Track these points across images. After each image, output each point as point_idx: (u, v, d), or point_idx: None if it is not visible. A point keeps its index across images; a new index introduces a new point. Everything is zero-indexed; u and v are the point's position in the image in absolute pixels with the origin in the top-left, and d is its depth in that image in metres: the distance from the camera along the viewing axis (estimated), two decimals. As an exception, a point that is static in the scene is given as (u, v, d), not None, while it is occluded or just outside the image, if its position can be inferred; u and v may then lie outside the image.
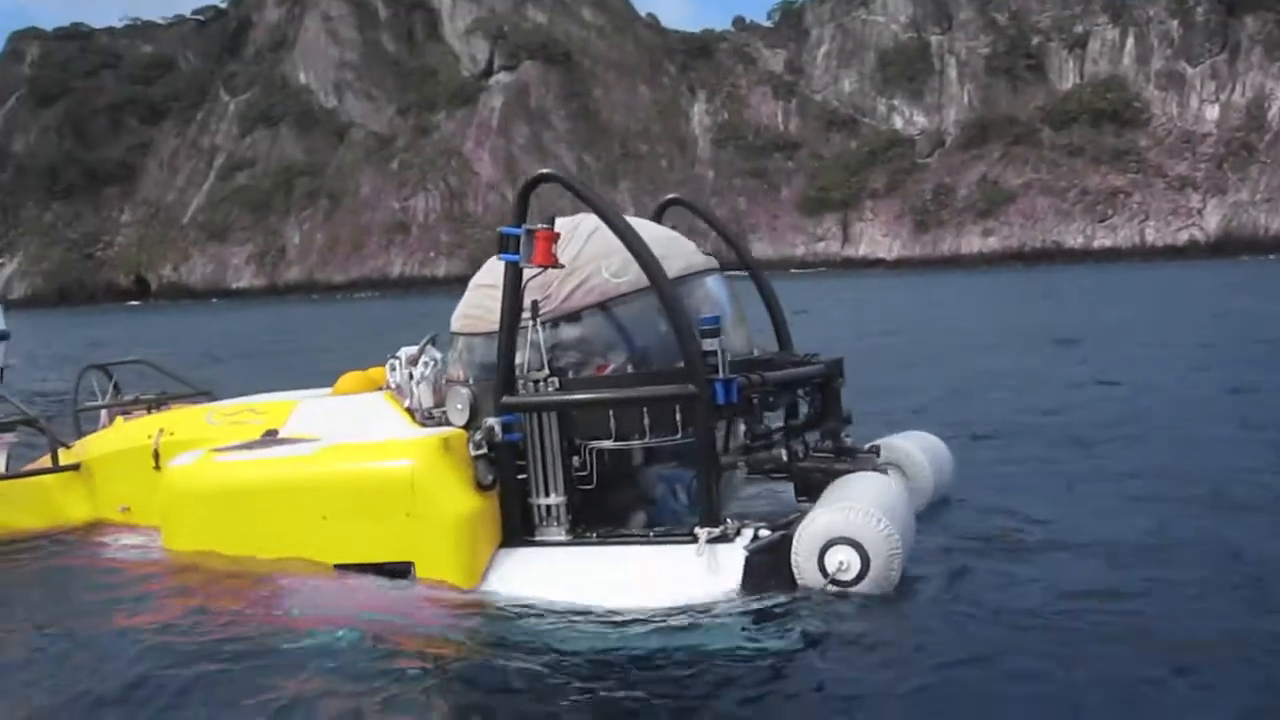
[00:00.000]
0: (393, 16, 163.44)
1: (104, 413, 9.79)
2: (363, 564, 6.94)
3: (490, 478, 6.86)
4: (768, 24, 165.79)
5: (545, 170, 7.14)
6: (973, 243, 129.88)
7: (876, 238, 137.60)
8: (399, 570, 6.86)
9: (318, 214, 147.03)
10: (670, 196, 9.19)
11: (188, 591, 6.90)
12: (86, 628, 6.48)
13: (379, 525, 6.86)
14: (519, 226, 6.75)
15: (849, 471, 7.24)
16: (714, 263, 7.93)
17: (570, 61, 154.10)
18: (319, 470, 7.14)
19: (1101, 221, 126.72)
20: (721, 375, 6.52)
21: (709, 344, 6.59)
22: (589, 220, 7.34)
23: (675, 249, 7.52)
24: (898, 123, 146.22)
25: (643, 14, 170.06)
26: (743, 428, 7.13)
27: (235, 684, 5.29)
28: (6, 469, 9.27)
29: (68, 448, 9.20)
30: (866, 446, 7.97)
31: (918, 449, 8.34)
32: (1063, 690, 4.99)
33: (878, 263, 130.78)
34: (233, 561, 7.12)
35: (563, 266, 6.93)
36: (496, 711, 4.97)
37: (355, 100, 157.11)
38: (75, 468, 8.89)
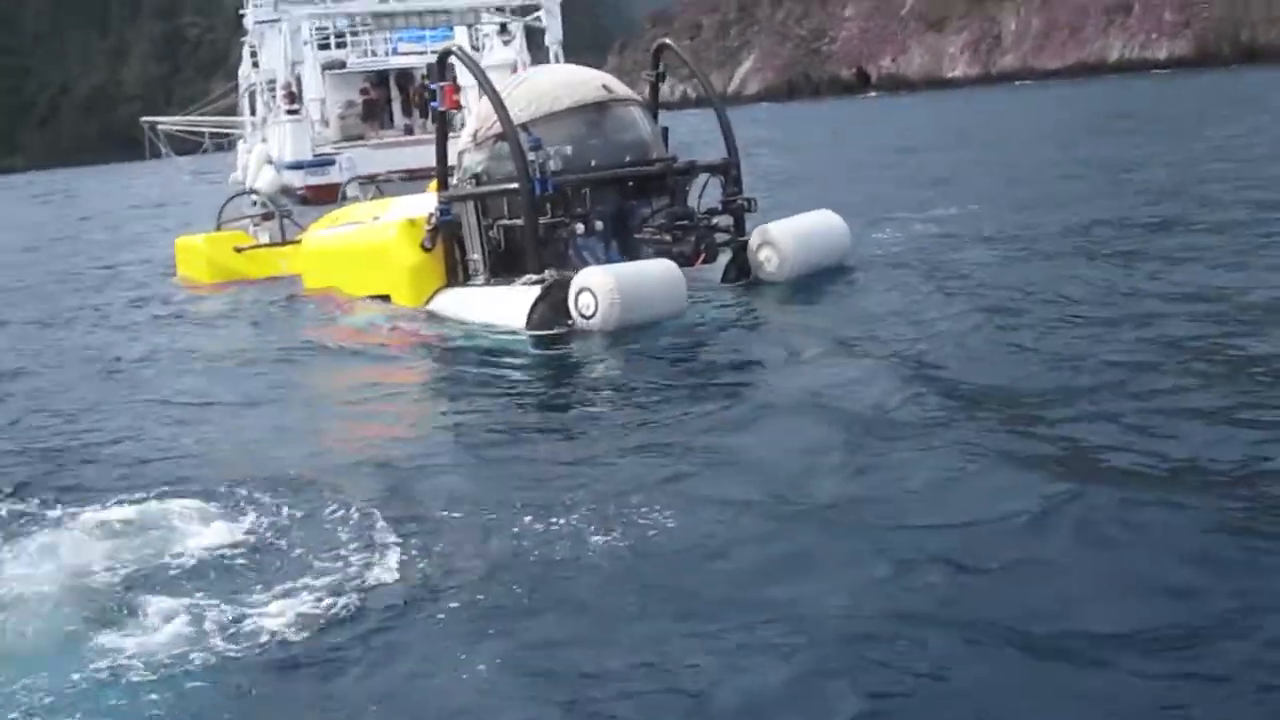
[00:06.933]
0: None
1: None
2: (373, 294, 11.27)
3: (430, 244, 10.60)
4: None
5: (449, 47, 11.45)
6: None
7: None
8: (385, 298, 11.15)
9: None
10: (660, 41, 12.44)
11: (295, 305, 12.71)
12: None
13: (378, 271, 11.20)
14: (436, 84, 10.70)
15: (651, 255, 10.11)
16: (620, 94, 10.92)
17: None
18: (352, 240, 12.02)
19: None
20: (538, 175, 9.55)
21: (533, 155, 9.58)
22: (520, 75, 11.28)
23: (572, 90, 10.57)
24: None
25: None
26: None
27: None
28: (270, 241, 15.32)
29: (303, 229, 14.65)
30: (721, 231, 10.91)
31: (789, 233, 10.50)
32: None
33: None
34: (321, 290, 12.30)
35: (462, 107, 11.84)
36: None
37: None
38: (297, 242, 14.18)
